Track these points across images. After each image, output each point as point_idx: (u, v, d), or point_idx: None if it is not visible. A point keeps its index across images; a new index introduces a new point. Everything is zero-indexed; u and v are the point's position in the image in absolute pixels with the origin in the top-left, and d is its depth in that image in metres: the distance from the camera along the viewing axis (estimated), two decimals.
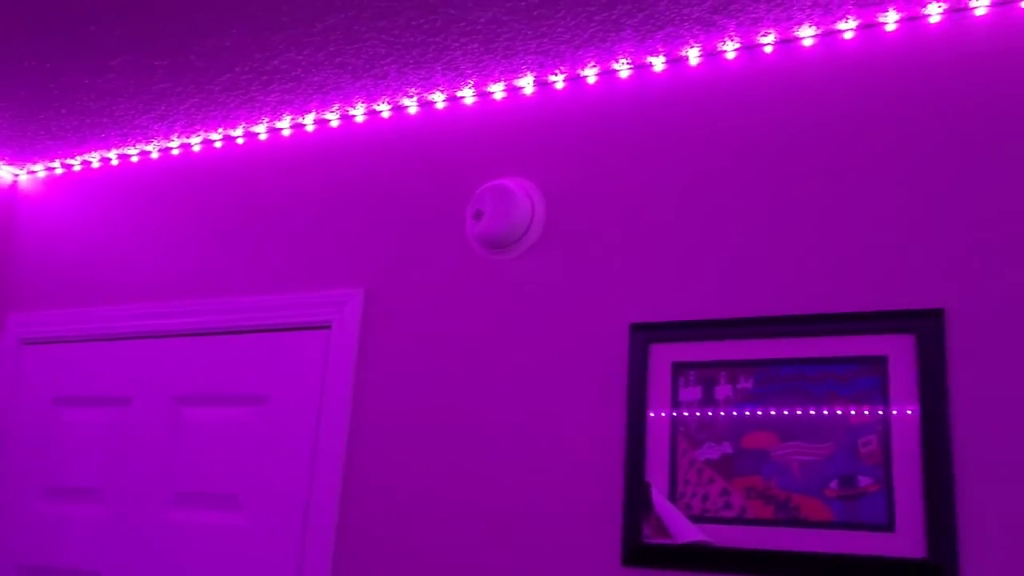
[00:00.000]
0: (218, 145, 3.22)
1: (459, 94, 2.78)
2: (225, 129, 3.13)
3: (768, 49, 2.39)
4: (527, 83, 2.68)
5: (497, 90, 2.73)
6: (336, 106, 2.91)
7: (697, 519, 2.15)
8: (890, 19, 2.24)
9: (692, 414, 2.23)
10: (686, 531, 2.15)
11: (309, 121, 3.02)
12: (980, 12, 2.17)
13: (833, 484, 2.05)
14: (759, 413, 2.16)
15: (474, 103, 2.78)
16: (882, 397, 2.05)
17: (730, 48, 2.42)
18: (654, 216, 2.42)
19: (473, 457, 2.47)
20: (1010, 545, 1.87)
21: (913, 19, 2.23)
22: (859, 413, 2.06)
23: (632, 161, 2.50)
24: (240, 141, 3.17)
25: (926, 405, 1.99)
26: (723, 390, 2.22)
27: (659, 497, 2.20)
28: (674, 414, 2.25)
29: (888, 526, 1.98)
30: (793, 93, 2.34)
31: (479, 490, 2.44)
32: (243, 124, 3.08)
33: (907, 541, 1.95)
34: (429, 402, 2.58)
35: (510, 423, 2.45)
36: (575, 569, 2.26)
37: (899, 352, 2.06)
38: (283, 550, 2.66)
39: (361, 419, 2.66)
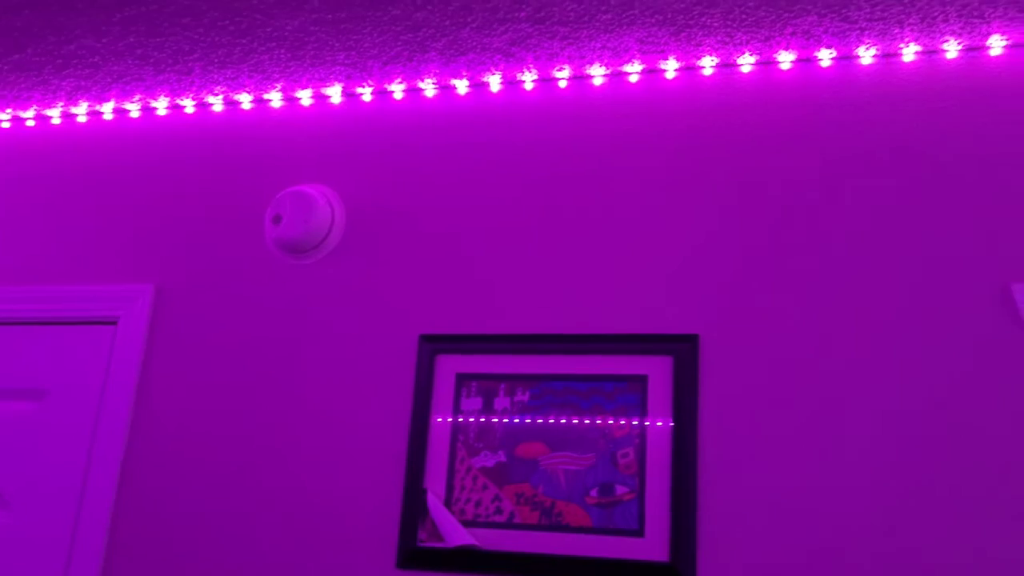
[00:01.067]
0: (5, 125, 3.06)
1: (266, 96, 2.78)
2: (14, 110, 2.98)
3: (563, 84, 2.55)
4: (335, 92, 2.72)
5: (304, 96, 2.76)
6: (137, 97, 2.84)
7: (469, 524, 2.26)
8: (670, 67, 2.45)
9: (472, 423, 2.34)
10: (458, 535, 2.25)
11: (107, 110, 2.94)
12: (710, 70, 2.42)
13: (594, 492, 2.21)
14: (529, 422, 2.30)
15: (281, 107, 2.79)
16: (641, 412, 2.23)
17: (528, 79, 2.56)
18: (447, 231, 2.53)
19: (258, 459, 2.48)
20: (743, 549, 2.09)
21: (689, 69, 2.45)
22: (620, 427, 2.24)
23: (431, 177, 2.59)
24: (30, 123, 3.03)
25: (678, 421, 2.19)
26: (501, 401, 2.34)
27: (435, 502, 2.29)
28: (456, 422, 2.36)
29: (639, 531, 2.16)
30: (584, 125, 2.51)
31: (261, 492, 2.45)
32: (35, 107, 2.95)
33: (654, 546, 2.13)
34: (217, 404, 2.57)
35: (298, 426, 2.48)
36: (350, 570, 2.31)
37: (658, 372, 2.25)
38: (51, 551, 2.57)
39: (143, 419, 2.61)
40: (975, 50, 2.27)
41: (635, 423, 2.23)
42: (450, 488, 2.31)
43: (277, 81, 2.69)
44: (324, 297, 2.58)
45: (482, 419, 2.34)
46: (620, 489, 2.20)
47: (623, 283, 2.35)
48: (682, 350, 2.24)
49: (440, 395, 2.39)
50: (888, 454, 2.07)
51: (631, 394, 2.26)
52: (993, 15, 2.14)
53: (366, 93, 2.71)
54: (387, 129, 2.68)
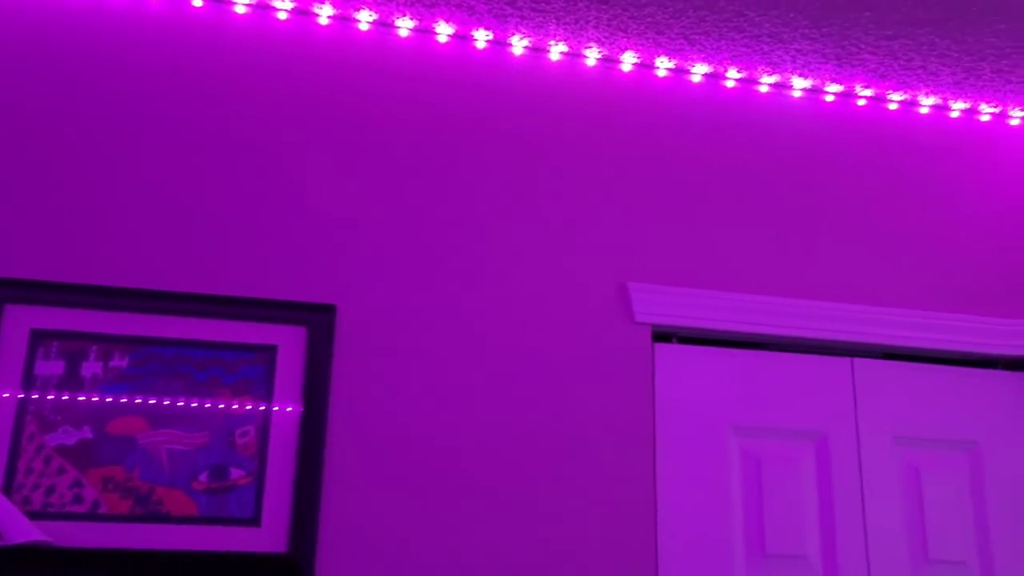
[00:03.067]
0: None
1: None
2: None
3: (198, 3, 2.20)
4: None
5: None
6: None
7: (37, 516, 1.82)
8: (324, 13, 2.25)
9: (49, 392, 1.89)
10: (20, 530, 1.80)
11: None
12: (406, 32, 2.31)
13: (203, 476, 1.92)
14: (127, 394, 1.92)
15: None
16: (267, 388, 1.99)
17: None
18: (38, 151, 2.03)
19: None
20: (368, 538, 1.96)
21: (345, 20, 2.27)
22: (241, 402, 1.97)
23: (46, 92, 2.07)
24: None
25: (309, 399, 1.99)
26: (92, 367, 1.93)
27: None
28: (27, 389, 1.88)
29: (255, 520, 1.92)
30: (227, 78, 2.18)
31: None
32: None
33: (271, 535, 1.91)
34: None
35: None
36: None
37: (290, 343, 2.03)
38: None
39: None
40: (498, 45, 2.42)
41: (259, 398, 1.98)
42: (12, 471, 1.84)
43: None
44: None
45: (64, 388, 1.90)
46: (235, 472, 1.94)
47: (255, 242, 2.08)
48: (317, 320, 2.05)
49: (7, 355, 1.89)
50: (517, 437, 2.10)
51: (257, 366, 2.00)
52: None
53: None
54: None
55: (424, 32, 2.32)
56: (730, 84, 2.49)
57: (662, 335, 2.31)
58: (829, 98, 2.54)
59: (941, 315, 2.41)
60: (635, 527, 2.11)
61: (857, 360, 2.39)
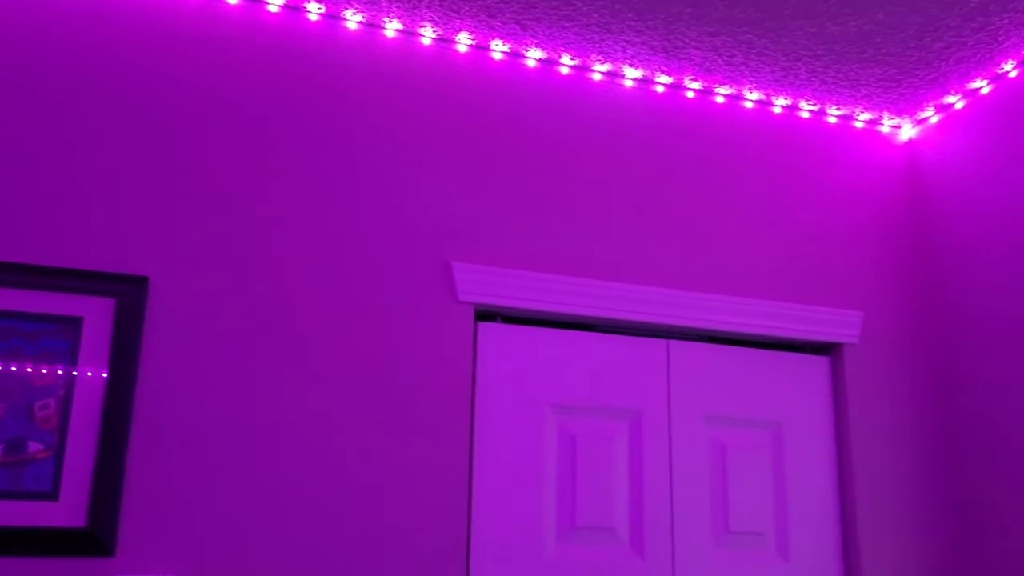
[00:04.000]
0: None
1: None
2: None
3: None
4: None
5: None
6: None
7: None
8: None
9: None
10: None
11: None
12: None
13: None
14: None
15: None
16: (71, 359, 1.95)
17: None
18: None
19: None
20: (169, 514, 1.95)
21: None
22: (42, 374, 1.92)
23: None
24: None
25: (115, 371, 1.96)
26: None
27: None
28: None
29: (52, 495, 1.88)
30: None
31: None
32: None
33: (70, 510, 1.88)
34: None
35: None
36: None
37: (96, 315, 1.98)
38: None
39: None
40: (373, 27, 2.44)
41: (61, 371, 1.94)
42: None
43: None
44: None
45: None
46: (34, 446, 1.89)
47: (63, 211, 2.02)
48: (127, 292, 2.01)
49: None
50: (332, 414, 2.12)
51: (60, 338, 1.95)
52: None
53: None
54: None
55: (255, 2, 2.28)
56: (564, 71, 2.54)
57: (485, 314, 2.36)
58: (659, 89, 2.63)
59: (753, 301, 2.54)
60: (449, 502, 2.16)
61: (673, 342, 2.50)
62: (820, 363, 2.65)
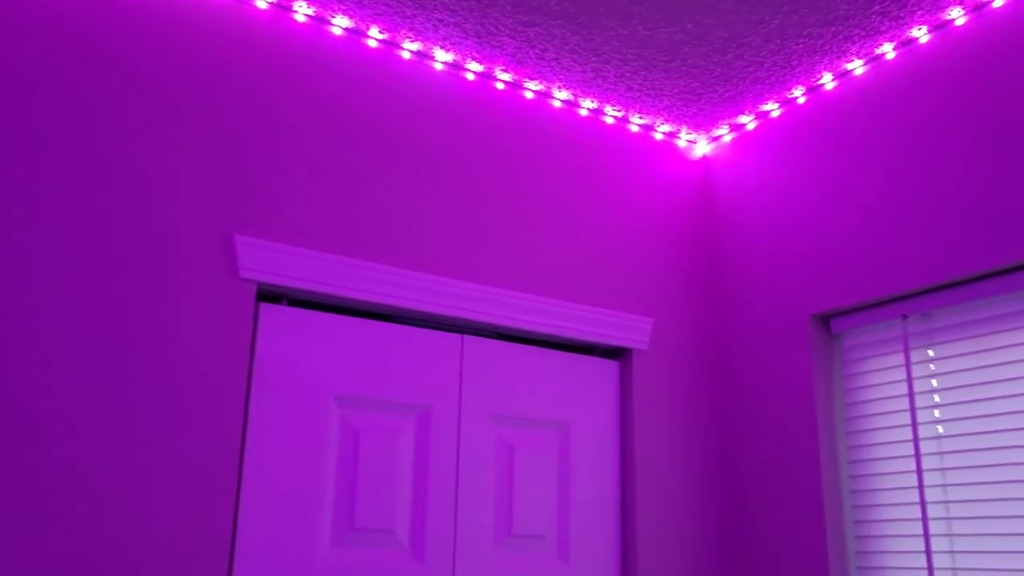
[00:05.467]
0: None
1: None
2: None
3: None
4: None
5: None
6: None
7: None
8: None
9: None
10: None
11: None
12: None
13: None
14: None
15: None
16: None
17: None
18: None
19: None
20: None
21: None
22: None
23: None
24: None
25: None
26: None
27: None
28: None
29: None
30: None
31: None
32: None
33: None
34: None
35: None
36: None
37: None
38: None
39: None
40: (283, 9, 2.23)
41: None
42: None
43: None
44: None
45: None
46: None
47: None
48: None
49: None
50: (99, 394, 1.85)
51: None
52: None
53: None
54: None
55: None
56: (372, 44, 2.40)
57: (269, 295, 2.17)
58: (470, 76, 2.55)
59: (549, 301, 2.50)
60: (211, 500, 1.94)
61: (467, 337, 2.41)
62: (610, 367, 2.65)
